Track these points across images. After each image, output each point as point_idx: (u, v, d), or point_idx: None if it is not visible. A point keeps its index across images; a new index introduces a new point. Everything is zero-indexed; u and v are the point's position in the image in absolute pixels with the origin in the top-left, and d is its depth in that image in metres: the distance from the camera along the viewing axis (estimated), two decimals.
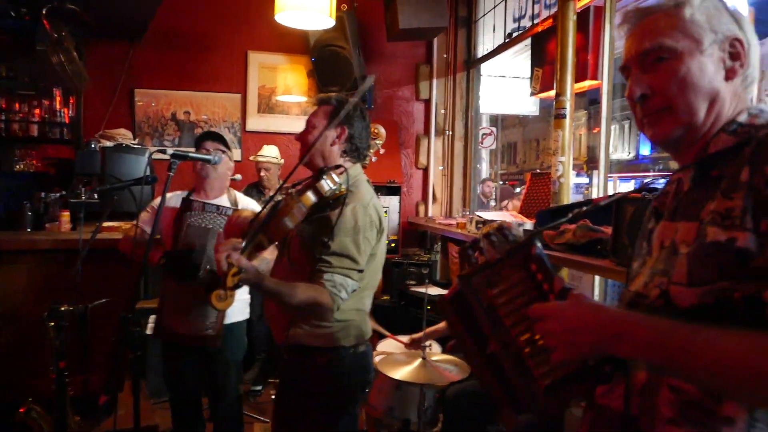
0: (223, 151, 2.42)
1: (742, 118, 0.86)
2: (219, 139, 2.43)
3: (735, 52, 0.87)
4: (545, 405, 0.90)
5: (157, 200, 2.51)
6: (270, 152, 3.98)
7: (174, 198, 2.47)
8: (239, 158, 4.46)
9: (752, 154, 0.78)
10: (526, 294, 0.90)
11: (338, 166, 1.72)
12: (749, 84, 0.89)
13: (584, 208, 1.00)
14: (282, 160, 4.03)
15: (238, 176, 3.96)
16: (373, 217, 1.71)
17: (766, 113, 0.87)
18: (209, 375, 2.52)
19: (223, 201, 2.50)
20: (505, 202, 4.66)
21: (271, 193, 3.95)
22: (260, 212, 1.70)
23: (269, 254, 2.41)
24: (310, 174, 1.77)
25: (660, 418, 0.82)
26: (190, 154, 2.08)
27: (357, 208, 1.68)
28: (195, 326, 2.29)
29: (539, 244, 0.91)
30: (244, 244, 1.54)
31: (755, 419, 0.76)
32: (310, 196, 1.62)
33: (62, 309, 1.94)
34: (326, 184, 1.63)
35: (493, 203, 5.49)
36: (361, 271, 1.69)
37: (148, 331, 3.02)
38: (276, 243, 1.73)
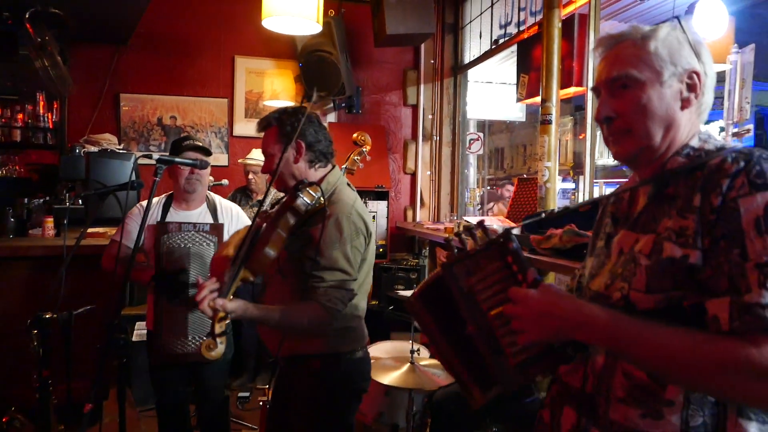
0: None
1: (694, 142, 0.98)
2: (201, 150, 2.37)
3: (692, 84, 0.97)
4: (515, 378, 1.02)
5: (134, 209, 2.47)
6: (259, 155, 3.96)
7: (155, 208, 2.44)
8: (226, 163, 4.45)
9: (703, 182, 0.90)
10: (502, 282, 1.01)
11: (312, 183, 1.69)
12: (703, 111, 1.00)
13: (555, 210, 1.09)
14: None
15: (225, 181, 3.96)
16: (357, 224, 1.69)
17: (713, 138, 0.99)
18: (196, 378, 2.50)
19: (203, 210, 2.48)
20: (491, 205, 4.69)
21: (260, 198, 3.94)
22: (244, 239, 1.67)
23: None
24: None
25: (613, 398, 0.95)
26: (176, 159, 2.07)
27: (340, 219, 1.66)
28: (195, 345, 2.27)
29: (515, 239, 1.01)
30: (227, 283, 1.54)
31: (689, 401, 0.89)
32: (289, 219, 1.60)
33: (46, 316, 1.91)
34: (303, 203, 1.61)
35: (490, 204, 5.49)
36: (354, 279, 1.68)
37: (135, 338, 2.99)
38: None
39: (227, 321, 1.51)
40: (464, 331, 1.06)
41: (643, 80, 0.96)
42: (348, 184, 1.83)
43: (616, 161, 1.09)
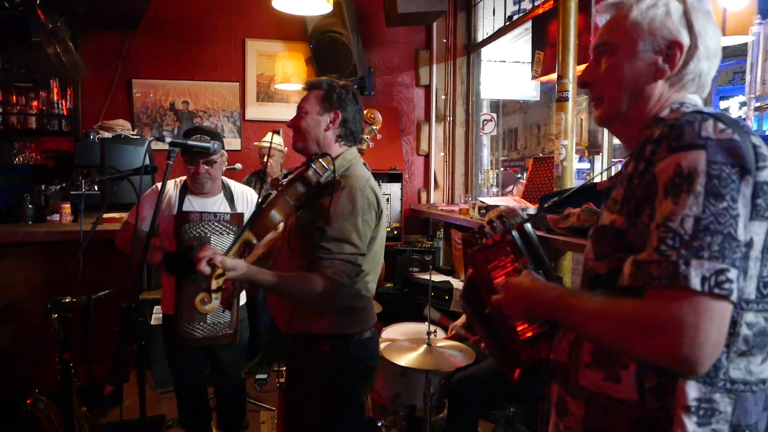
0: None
1: (664, 113, 0.99)
2: (208, 133, 2.32)
3: (671, 55, 0.97)
4: (525, 354, 1.14)
5: (149, 191, 2.47)
6: (274, 139, 3.96)
7: (173, 192, 2.43)
8: (239, 147, 4.44)
9: (637, 151, 0.92)
10: (510, 268, 1.16)
11: (325, 154, 1.68)
12: (688, 81, 0.99)
13: (555, 198, 1.22)
14: (285, 148, 4.02)
15: (238, 165, 3.95)
16: (370, 198, 1.68)
17: (686, 105, 0.98)
18: (213, 361, 2.52)
19: (220, 198, 2.47)
20: (510, 188, 4.62)
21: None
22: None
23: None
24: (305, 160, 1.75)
25: (582, 363, 1.00)
26: (189, 142, 2.06)
27: (353, 191, 1.65)
28: (213, 330, 2.29)
29: (515, 232, 1.16)
30: (229, 244, 1.55)
31: (642, 364, 0.91)
32: (298, 187, 1.61)
33: (65, 301, 1.93)
34: (314, 174, 1.61)
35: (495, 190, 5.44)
36: (363, 254, 1.66)
37: (153, 322, 3.03)
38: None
39: (224, 278, 1.51)
40: (486, 312, 1.18)
41: (618, 49, 1.00)
42: (363, 164, 1.82)
43: None
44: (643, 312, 0.80)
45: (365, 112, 2.32)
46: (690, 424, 0.87)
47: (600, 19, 1.07)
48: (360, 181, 1.69)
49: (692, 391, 0.87)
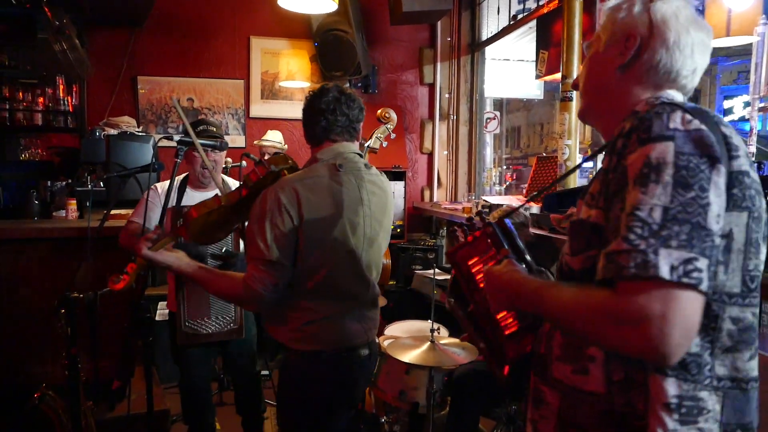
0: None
1: (639, 107, 0.98)
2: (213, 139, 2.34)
3: (628, 46, 0.99)
4: (509, 349, 1.13)
5: (150, 191, 2.49)
6: (274, 137, 3.97)
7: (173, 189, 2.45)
8: (243, 145, 4.46)
9: (611, 145, 0.92)
10: (491, 262, 1.12)
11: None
12: (655, 73, 0.97)
13: (535, 193, 1.22)
14: (285, 146, 4.03)
15: (244, 163, 3.97)
16: (282, 200, 1.50)
17: (662, 98, 0.96)
18: (224, 356, 2.54)
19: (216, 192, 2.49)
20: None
21: None
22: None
23: None
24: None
25: (554, 356, 1.01)
26: (197, 141, 2.07)
27: (267, 192, 1.53)
28: (219, 325, 2.31)
29: (495, 224, 1.14)
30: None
31: (609, 357, 0.91)
32: (237, 190, 1.66)
33: (72, 296, 1.95)
34: (254, 174, 1.64)
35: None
36: (270, 261, 1.50)
37: (158, 318, 3.04)
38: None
39: (141, 264, 1.65)
40: (468, 308, 1.18)
41: (592, 47, 1.07)
42: (339, 165, 1.62)
43: None
44: (613, 302, 0.80)
45: (379, 111, 2.30)
46: (671, 422, 0.85)
47: None
48: (288, 180, 1.55)
49: (671, 388, 0.85)
